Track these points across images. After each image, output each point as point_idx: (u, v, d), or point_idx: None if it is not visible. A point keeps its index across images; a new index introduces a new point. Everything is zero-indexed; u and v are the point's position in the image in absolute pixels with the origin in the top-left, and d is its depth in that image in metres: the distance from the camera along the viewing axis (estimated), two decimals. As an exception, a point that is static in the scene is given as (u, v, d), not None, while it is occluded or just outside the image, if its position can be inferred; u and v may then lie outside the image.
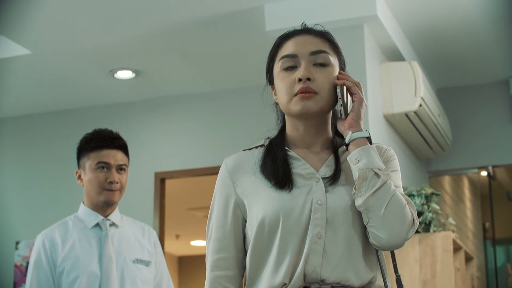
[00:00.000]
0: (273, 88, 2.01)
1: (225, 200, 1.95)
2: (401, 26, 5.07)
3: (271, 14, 4.64)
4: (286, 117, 1.98)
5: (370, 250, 1.87)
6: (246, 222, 1.92)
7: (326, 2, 4.57)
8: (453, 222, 4.79)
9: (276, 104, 2.02)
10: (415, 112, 4.85)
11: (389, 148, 1.99)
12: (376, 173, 1.82)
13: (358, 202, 1.82)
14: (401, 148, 5.34)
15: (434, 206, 4.39)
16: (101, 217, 3.13)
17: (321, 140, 1.96)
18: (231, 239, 1.93)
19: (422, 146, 5.60)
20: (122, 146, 3.17)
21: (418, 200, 4.34)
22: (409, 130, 5.15)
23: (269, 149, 1.95)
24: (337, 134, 1.99)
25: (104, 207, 3.13)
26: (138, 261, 3.13)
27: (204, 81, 5.97)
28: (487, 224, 6.71)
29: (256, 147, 2.00)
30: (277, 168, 1.89)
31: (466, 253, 4.92)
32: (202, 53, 5.44)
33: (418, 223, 1.87)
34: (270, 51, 2.01)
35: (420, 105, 4.82)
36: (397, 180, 1.93)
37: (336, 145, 1.96)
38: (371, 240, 1.83)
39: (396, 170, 1.95)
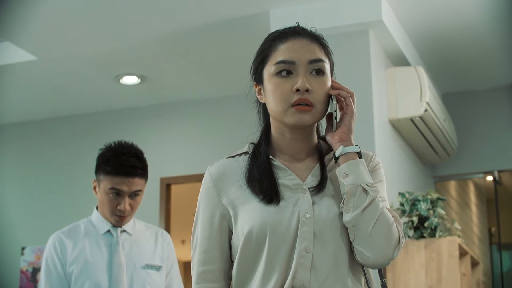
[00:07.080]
0: (256, 86, 1.99)
1: (211, 211, 1.91)
2: (406, 31, 5.07)
3: (276, 19, 4.64)
4: (272, 121, 1.95)
5: (356, 261, 1.85)
6: (232, 233, 1.90)
7: (331, 8, 4.57)
8: (459, 227, 4.77)
9: (259, 103, 2.01)
10: (420, 117, 4.84)
11: (374, 155, 1.97)
12: (364, 189, 1.80)
13: (346, 218, 1.80)
14: (407, 153, 5.33)
15: (440, 211, 4.38)
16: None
17: (307, 146, 1.92)
18: (217, 251, 1.89)
19: (428, 151, 5.59)
20: (139, 174, 3.09)
21: (423, 205, 4.34)
22: (415, 135, 5.15)
23: (253, 160, 1.91)
24: (321, 138, 1.97)
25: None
26: (148, 266, 3.11)
27: (209, 86, 5.98)
28: (493, 229, 6.71)
29: (240, 154, 1.96)
30: (263, 182, 1.86)
31: (472, 258, 4.91)
32: (207, 58, 5.45)
33: (404, 241, 1.85)
34: (261, 49, 1.96)
35: (426, 110, 4.81)
36: (383, 191, 1.91)
37: (321, 151, 1.94)
38: (357, 257, 1.82)
39: (381, 181, 1.93)
